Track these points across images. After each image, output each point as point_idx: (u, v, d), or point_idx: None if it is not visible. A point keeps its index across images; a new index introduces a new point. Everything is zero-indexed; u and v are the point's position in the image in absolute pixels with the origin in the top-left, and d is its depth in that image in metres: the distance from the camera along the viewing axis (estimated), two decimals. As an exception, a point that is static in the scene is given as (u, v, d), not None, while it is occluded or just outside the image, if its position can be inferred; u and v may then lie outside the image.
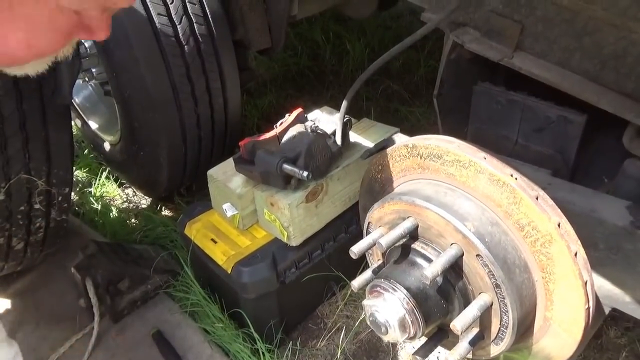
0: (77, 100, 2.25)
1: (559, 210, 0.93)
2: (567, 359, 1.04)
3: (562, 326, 0.99)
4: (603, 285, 1.07)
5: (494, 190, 0.98)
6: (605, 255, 1.06)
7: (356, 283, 1.18)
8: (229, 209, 1.58)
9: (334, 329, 1.80)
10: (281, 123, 1.60)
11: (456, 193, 1.04)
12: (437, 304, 1.04)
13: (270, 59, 3.37)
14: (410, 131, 1.67)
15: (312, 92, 3.10)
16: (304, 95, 3.08)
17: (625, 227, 1.04)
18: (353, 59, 3.37)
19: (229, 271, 1.53)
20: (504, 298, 0.97)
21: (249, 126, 2.72)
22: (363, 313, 1.82)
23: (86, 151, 2.55)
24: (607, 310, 1.14)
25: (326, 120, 1.58)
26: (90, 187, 2.39)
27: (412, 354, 1.10)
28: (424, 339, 1.14)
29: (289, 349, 1.67)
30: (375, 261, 1.27)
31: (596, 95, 1.03)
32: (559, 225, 0.92)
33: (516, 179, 0.96)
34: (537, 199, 0.93)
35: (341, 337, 1.76)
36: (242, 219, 1.60)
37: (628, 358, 1.67)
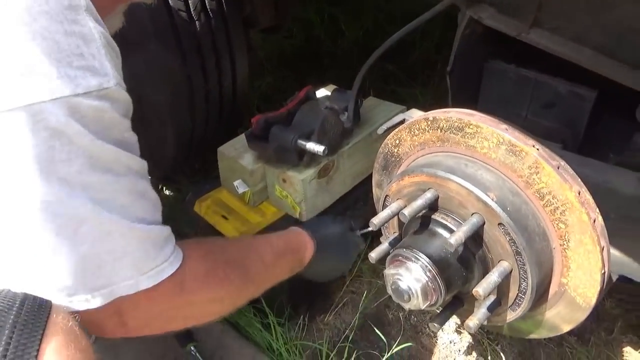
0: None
1: (579, 179, 0.97)
2: (577, 325, 1.09)
3: (577, 291, 1.04)
4: (613, 253, 1.12)
5: (515, 161, 1.01)
6: (616, 224, 1.10)
7: (374, 254, 1.21)
8: (240, 186, 1.59)
9: (341, 304, 1.84)
10: (291, 100, 1.61)
11: (477, 164, 1.07)
12: (458, 272, 1.07)
13: (265, 41, 3.36)
14: (411, 111, 1.70)
15: (309, 73, 3.10)
16: (300, 76, 3.08)
17: (636, 196, 1.09)
18: (348, 40, 3.37)
19: (242, 246, 1.55)
20: (524, 265, 1.00)
21: (249, 107, 2.71)
22: (368, 288, 1.86)
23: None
24: (614, 278, 1.20)
25: (336, 97, 1.59)
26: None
27: (430, 322, 1.13)
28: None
29: (299, 324, 1.71)
30: (390, 234, 1.30)
31: (613, 69, 1.06)
32: (579, 194, 0.96)
33: (538, 149, 0.99)
34: (558, 168, 0.97)
35: (348, 312, 1.80)
36: (253, 195, 1.61)
37: (623, 327, 1.74)
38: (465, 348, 1.73)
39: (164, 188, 2.31)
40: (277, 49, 3.39)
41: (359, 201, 1.75)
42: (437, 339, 1.76)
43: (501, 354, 1.67)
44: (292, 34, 3.46)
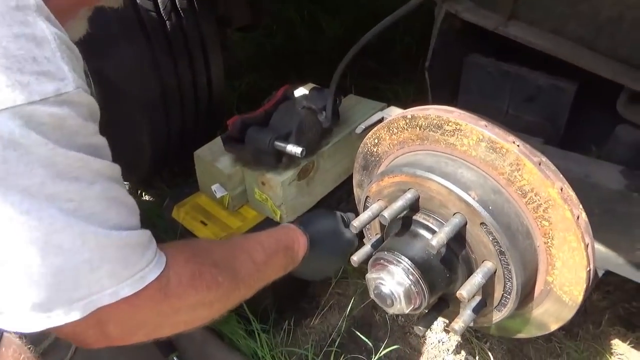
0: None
1: (561, 175, 0.95)
2: (565, 323, 1.07)
3: (562, 289, 1.01)
4: (598, 249, 1.10)
5: (495, 158, 0.98)
6: (600, 219, 1.08)
7: (356, 257, 1.17)
8: (218, 190, 1.55)
9: (327, 307, 1.80)
10: (268, 100, 1.57)
11: (457, 163, 1.04)
12: (441, 274, 1.04)
13: (244, 39, 3.30)
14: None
15: (289, 72, 3.06)
16: (281, 75, 3.03)
17: (619, 190, 1.07)
18: (328, 37, 3.33)
19: (222, 253, 1.51)
20: (508, 265, 0.98)
21: (228, 108, 2.66)
22: (354, 290, 1.83)
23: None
24: (600, 274, 1.18)
25: (315, 96, 1.55)
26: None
27: (415, 325, 1.10)
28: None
29: (284, 329, 1.67)
30: (373, 235, 1.27)
31: (592, 61, 1.04)
32: (561, 190, 0.93)
33: (518, 145, 0.96)
34: (539, 164, 0.94)
35: (335, 315, 1.77)
36: (232, 199, 1.57)
37: (611, 319, 1.74)
38: (453, 347, 1.71)
39: (143, 193, 2.25)
40: (256, 47, 3.33)
41: (341, 202, 1.72)
42: (425, 339, 1.73)
43: (489, 353, 1.65)
44: (272, 33, 3.41)
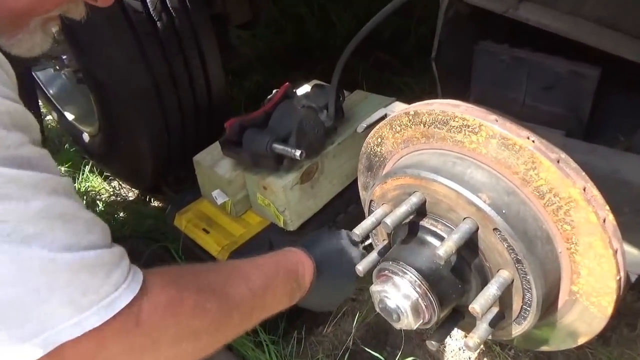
0: (51, 91, 2.12)
1: (583, 173, 0.84)
2: (594, 336, 0.96)
3: (589, 299, 0.91)
4: (629, 251, 0.99)
5: (508, 156, 0.88)
6: (631, 219, 0.98)
7: (361, 267, 1.08)
8: (219, 196, 1.48)
9: (340, 314, 1.72)
10: (269, 100, 1.49)
11: (466, 162, 0.94)
12: (452, 285, 0.95)
13: (253, 37, 3.23)
14: (406, 102, 1.57)
15: (300, 68, 2.97)
16: (292, 72, 2.95)
17: (653, 186, 0.95)
18: (340, 31, 3.24)
19: (224, 262, 1.44)
20: (526, 274, 0.88)
21: (236, 108, 2.60)
22: (368, 295, 1.75)
23: (67, 145, 2.43)
24: (633, 278, 1.06)
25: (316, 94, 1.47)
26: (74, 182, 2.28)
27: (427, 340, 1.01)
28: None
29: (294, 338, 1.59)
30: (380, 241, 1.18)
31: (614, 43, 0.93)
32: (584, 190, 0.82)
33: (533, 141, 0.86)
34: (558, 162, 0.84)
35: (348, 322, 1.69)
36: (234, 205, 1.50)
37: (647, 322, 1.61)
38: (475, 355, 1.61)
39: (151, 199, 2.21)
40: (266, 45, 3.26)
41: (350, 204, 1.63)
42: (445, 347, 1.64)
43: (513, 360, 1.54)
44: (282, 29, 3.33)
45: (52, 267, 0.64)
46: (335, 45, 3.15)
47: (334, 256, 1.16)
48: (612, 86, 1.17)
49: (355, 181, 1.65)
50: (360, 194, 1.31)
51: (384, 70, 2.84)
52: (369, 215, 1.13)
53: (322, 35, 3.25)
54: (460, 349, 1.63)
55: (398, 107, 1.18)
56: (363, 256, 1.18)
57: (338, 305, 1.42)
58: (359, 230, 1.02)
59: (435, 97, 1.38)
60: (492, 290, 0.88)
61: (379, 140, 1.12)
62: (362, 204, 1.30)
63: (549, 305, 0.96)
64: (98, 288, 0.67)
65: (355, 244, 1.21)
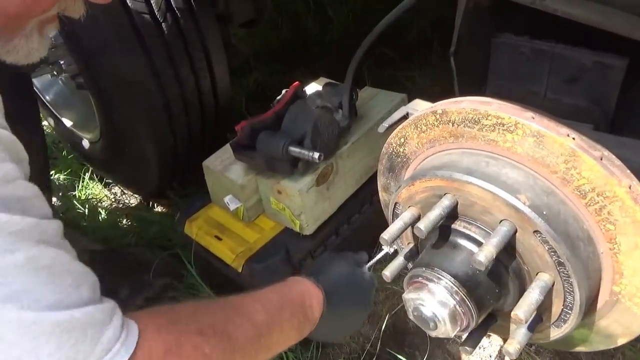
0: (47, 97, 2.05)
1: (628, 171, 0.81)
2: (635, 337, 0.93)
3: (633, 300, 0.88)
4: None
5: (547, 155, 0.85)
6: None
7: (388, 272, 1.04)
8: (231, 202, 1.43)
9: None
10: (278, 100, 1.44)
11: (500, 162, 0.90)
12: (490, 290, 0.91)
13: (250, 34, 3.17)
14: (411, 96, 1.52)
15: (299, 65, 2.92)
16: (290, 69, 2.90)
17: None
18: (337, 26, 3.19)
19: (240, 270, 1.40)
20: (568, 277, 0.84)
21: (237, 108, 2.54)
22: (384, 296, 1.71)
23: (64, 152, 2.37)
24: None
25: (329, 93, 1.42)
26: (74, 190, 2.22)
27: (460, 345, 0.98)
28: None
29: (313, 345, 1.55)
30: (404, 245, 1.14)
31: (651, 32, 0.89)
32: (630, 188, 0.79)
33: (574, 138, 0.82)
34: (601, 159, 0.80)
35: (366, 325, 1.65)
36: (247, 210, 1.46)
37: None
38: (496, 353, 1.58)
39: (155, 205, 2.15)
40: (263, 42, 3.20)
41: (365, 203, 1.59)
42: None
43: (536, 357, 1.51)
44: (278, 26, 3.27)
45: (37, 329, 0.57)
46: (333, 40, 3.10)
47: (343, 282, 1.09)
48: (638, 77, 1.14)
49: (367, 181, 1.62)
50: (380, 195, 1.27)
51: (386, 65, 2.80)
52: (393, 218, 1.09)
53: (319, 31, 3.20)
54: (480, 348, 1.60)
55: (420, 106, 1.14)
56: (371, 278, 1.14)
57: (353, 334, 1.34)
58: (387, 235, 0.98)
59: (441, 90, 1.34)
60: (534, 295, 0.85)
61: (402, 140, 1.08)
62: (382, 206, 1.26)
63: (588, 306, 0.93)
64: (91, 350, 0.61)
65: (361, 265, 1.14)
